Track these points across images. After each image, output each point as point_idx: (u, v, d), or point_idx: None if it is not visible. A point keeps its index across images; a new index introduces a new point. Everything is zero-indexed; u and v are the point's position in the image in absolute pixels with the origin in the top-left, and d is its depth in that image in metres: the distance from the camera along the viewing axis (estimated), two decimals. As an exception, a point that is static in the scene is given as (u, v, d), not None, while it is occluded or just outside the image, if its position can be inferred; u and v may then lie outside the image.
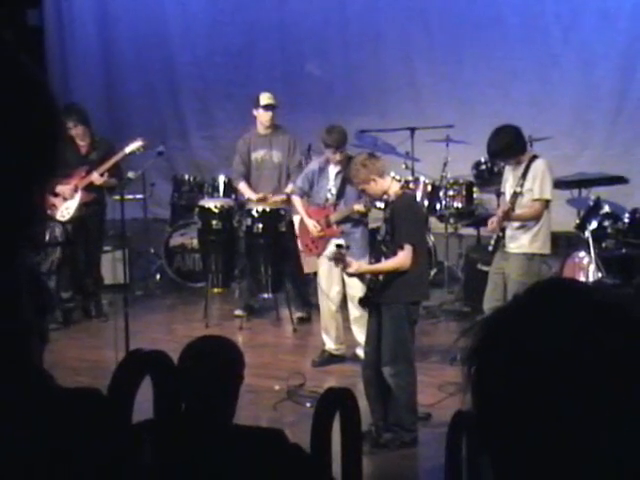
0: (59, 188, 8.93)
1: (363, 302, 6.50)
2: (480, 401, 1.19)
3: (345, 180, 7.86)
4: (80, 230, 9.08)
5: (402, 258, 6.15)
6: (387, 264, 6.30)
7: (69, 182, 8.95)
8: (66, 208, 9.00)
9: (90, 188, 9.02)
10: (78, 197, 8.97)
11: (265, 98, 8.99)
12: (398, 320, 6.24)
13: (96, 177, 8.92)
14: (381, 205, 6.69)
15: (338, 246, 6.62)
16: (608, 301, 1.18)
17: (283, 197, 8.82)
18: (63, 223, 9.03)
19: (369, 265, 6.65)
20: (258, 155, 9.06)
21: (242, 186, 9.17)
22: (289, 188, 8.72)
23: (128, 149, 8.90)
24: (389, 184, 6.38)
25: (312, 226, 8.04)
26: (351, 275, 6.72)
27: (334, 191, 7.99)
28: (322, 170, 8.04)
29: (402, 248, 6.15)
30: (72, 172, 8.97)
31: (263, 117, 9.00)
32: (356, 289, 7.25)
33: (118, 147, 9.07)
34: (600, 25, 11.08)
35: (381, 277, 6.30)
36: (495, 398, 1.17)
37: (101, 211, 9.22)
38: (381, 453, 6.26)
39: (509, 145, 7.08)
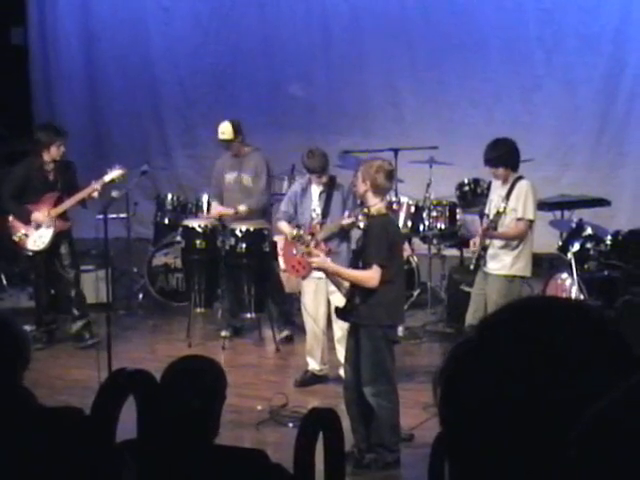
0: (32, 216, 8.65)
1: (338, 312, 6.53)
2: (447, 422, 1.20)
3: (329, 199, 7.89)
4: (52, 257, 8.83)
5: (369, 275, 6.10)
6: (352, 272, 6.32)
7: (39, 208, 8.66)
8: (40, 237, 8.71)
9: (63, 216, 8.79)
10: (53, 227, 8.68)
11: (219, 133, 8.89)
12: (375, 341, 6.22)
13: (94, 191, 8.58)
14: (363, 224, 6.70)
15: (297, 227, 6.66)
16: (572, 329, 1.17)
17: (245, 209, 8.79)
18: (35, 252, 8.75)
19: (336, 265, 6.61)
20: (230, 177, 9.01)
21: (213, 205, 9.22)
22: (241, 207, 8.74)
23: (107, 177, 8.65)
24: (375, 201, 6.32)
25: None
26: (316, 269, 6.72)
27: (319, 210, 7.97)
28: (304, 191, 8.04)
29: (370, 267, 6.12)
30: (40, 199, 8.69)
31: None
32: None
33: (98, 175, 8.80)
34: (582, 48, 11.17)
35: (357, 296, 6.28)
36: (458, 422, 1.17)
37: (68, 233, 8.95)
38: (364, 474, 6.24)
39: (507, 153, 7.20)
